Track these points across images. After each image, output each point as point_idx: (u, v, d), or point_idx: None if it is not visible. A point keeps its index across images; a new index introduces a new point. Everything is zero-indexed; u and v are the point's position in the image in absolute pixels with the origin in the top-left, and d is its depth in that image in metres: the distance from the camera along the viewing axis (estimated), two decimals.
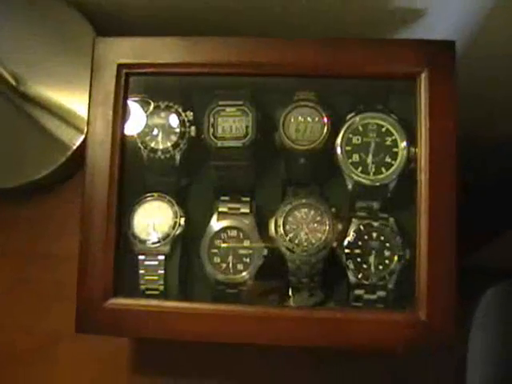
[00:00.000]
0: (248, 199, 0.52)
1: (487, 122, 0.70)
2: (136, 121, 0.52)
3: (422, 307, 0.48)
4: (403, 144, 0.50)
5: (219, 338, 0.49)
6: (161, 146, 0.51)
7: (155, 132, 0.52)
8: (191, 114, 0.52)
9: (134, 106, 0.52)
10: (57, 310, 0.59)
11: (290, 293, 0.52)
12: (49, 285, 0.60)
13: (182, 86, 0.52)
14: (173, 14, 0.59)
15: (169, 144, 0.51)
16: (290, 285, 0.52)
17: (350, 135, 0.50)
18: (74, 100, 0.61)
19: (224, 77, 0.51)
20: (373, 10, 0.56)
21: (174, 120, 0.51)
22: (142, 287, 0.52)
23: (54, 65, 0.62)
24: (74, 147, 0.61)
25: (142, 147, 0.51)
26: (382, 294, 0.50)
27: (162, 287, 0.52)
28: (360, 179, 0.50)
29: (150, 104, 0.52)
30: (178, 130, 0.51)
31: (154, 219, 0.52)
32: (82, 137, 0.61)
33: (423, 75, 0.49)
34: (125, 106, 0.51)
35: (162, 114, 0.52)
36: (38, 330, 0.60)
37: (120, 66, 0.51)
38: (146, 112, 0.52)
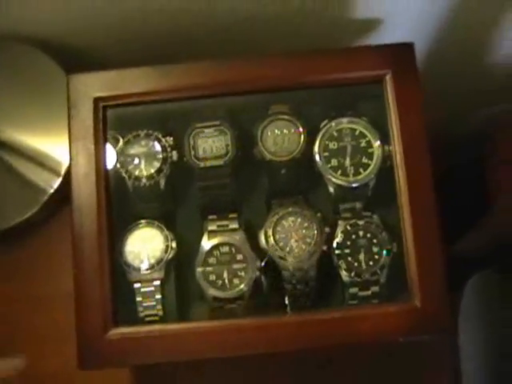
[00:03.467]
0: (235, 215, 0.53)
1: (455, 117, 0.74)
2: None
3: (416, 295, 0.50)
4: (377, 144, 0.52)
5: (223, 353, 0.50)
6: (145, 174, 0.52)
7: (137, 161, 0.53)
8: (171, 138, 0.53)
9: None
10: (53, 351, 0.59)
11: (287, 301, 0.53)
12: (44, 326, 0.59)
13: (159, 112, 0.54)
14: (139, 47, 0.61)
15: (152, 170, 0.52)
16: (286, 293, 0.53)
17: (327, 142, 0.53)
18: (48, 142, 0.62)
19: (198, 99, 0.53)
20: (332, 21, 0.59)
21: (155, 146, 0.52)
22: (141, 314, 0.52)
23: (26, 109, 0.62)
24: (52, 190, 0.61)
25: (126, 176, 0.52)
26: (375, 289, 0.52)
27: (160, 312, 0.52)
28: (340, 182, 0.52)
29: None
30: (160, 156, 0.52)
31: (146, 246, 0.53)
32: (59, 179, 0.61)
33: (388, 77, 0.52)
34: (105, 138, 0.52)
35: (143, 142, 0.53)
36: (35, 373, 0.59)
37: (96, 100, 0.52)
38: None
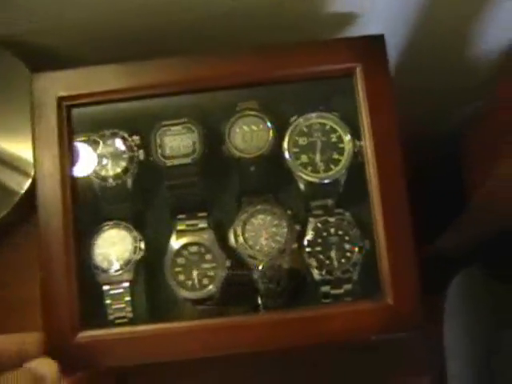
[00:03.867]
0: (205, 214, 0.52)
1: (438, 114, 0.72)
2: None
3: (388, 292, 0.49)
4: (348, 139, 0.51)
5: (194, 354, 0.49)
6: (111, 173, 0.51)
7: (104, 161, 0.52)
8: (138, 137, 0.52)
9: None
10: None
11: (259, 300, 0.52)
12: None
13: (125, 111, 0.53)
14: (110, 44, 0.60)
15: (119, 170, 0.51)
16: (258, 292, 0.52)
17: (296, 137, 0.51)
18: (16, 143, 0.60)
19: (166, 97, 0.52)
20: (305, 14, 0.58)
21: (121, 146, 0.52)
22: (111, 317, 0.51)
23: None
24: (22, 191, 0.60)
25: (92, 177, 0.51)
26: (348, 287, 0.51)
27: (130, 314, 0.51)
28: (311, 179, 0.51)
29: (98, 143, 0.52)
30: (126, 156, 0.51)
31: (114, 247, 0.52)
32: (29, 180, 0.60)
33: (358, 70, 0.51)
34: (70, 138, 0.51)
35: (109, 142, 0.52)
36: None
37: (60, 99, 0.51)
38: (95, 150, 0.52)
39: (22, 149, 0.60)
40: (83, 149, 0.52)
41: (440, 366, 0.65)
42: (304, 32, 0.61)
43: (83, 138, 0.52)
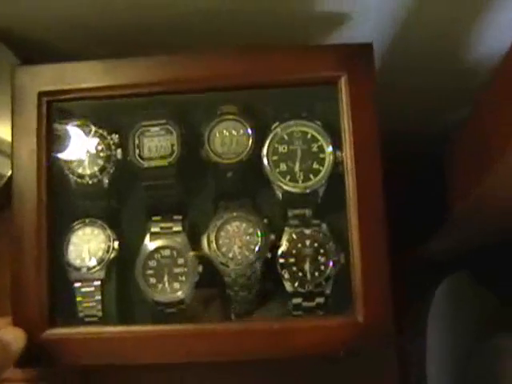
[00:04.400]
0: (180, 217, 0.51)
1: (420, 116, 0.71)
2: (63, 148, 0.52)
3: (359, 310, 0.48)
4: (329, 149, 0.50)
5: (160, 359, 0.49)
6: (88, 172, 0.51)
7: (82, 157, 0.51)
8: (116, 136, 0.51)
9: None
10: None
11: (231, 307, 0.52)
12: None
13: (105, 109, 0.52)
14: (96, 39, 0.59)
15: (96, 169, 0.51)
16: (229, 299, 0.51)
17: (276, 144, 0.50)
18: (2, 129, 0.60)
19: (146, 97, 0.51)
20: (294, 14, 0.56)
21: (98, 144, 0.51)
22: (81, 314, 0.51)
23: None
24: (8, 174, 0.60)
25: (69, 173, 0.51)
26: (320, 300, 0.50)
27: (100, 313, 0.51)
28: (289, 188, 0.50)
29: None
30: (103, 154, 0.51)
31: (88, 245, 0.52)
32: None
33: (343, 79, 0.50)
34: (48, 133, 0.51)
35: (87, 139, 0.51)
36: None
37: (41, 94, 0.51)
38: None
39: (7, 133, 0.60)
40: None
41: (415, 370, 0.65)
42: (293, 32, 0.59)
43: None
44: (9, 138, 0.58)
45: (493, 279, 0.67)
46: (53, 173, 0.51)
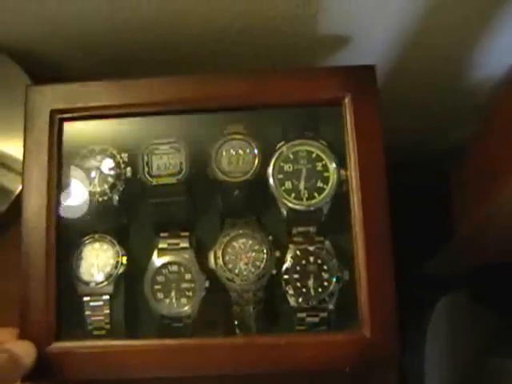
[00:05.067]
0: (187, 234, 0.53)
1: (422, 139, 0.72)
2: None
3: (365, 325, 0.49)
4: (333, 168, 0.51)
5: (166, 373, 0.50)
6: (98, 189, 0.52)
7: (92, 175, 0.52)
8: (126, 155, 0.53)
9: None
10: None
11: (236, 322, 0.53)
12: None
13: (115, 128, 0.53)
14: (107, 58, 0.61)
15: (106, 186, 0.52)
16: (235, 314, 0.52)
17: (282, 163, 0.52)
18: (13, 146, 0.62)
19: (155, 115, 0.53)
20: (298, 38, 0.58)
21: (109, 162, 0.52)
22: (90, 327, 0.52)
23: None
24: (18, 191, 0.61)
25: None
26: (324, 315, 0.51)
27: (108, 326, 0.52)
28: (294, 206, 0.51)
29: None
30: (113, 172, 0.52)
31: (97, 260, 0.53)
32: None
33: (347, 100, 0.51)
34: (59, 151, 0.52)
35: (98, 158, 0.53)
36: None
37: (53, 112, 0.52)
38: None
39: (18, 151, 0.62)
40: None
41: None
42: (297, 54, 0.61)
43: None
44: (20, 156, 0.59)
45: (492, 298, 0.68)
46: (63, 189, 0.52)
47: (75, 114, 0.53)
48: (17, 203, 0.61)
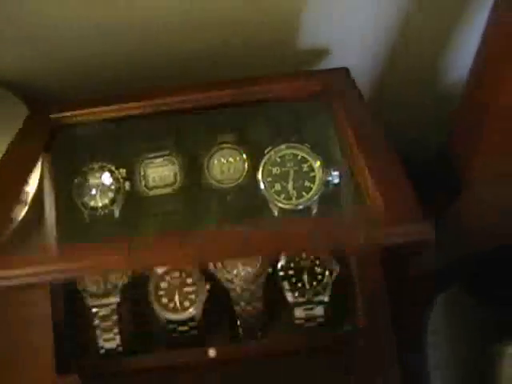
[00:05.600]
0: None
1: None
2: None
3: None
4: (318, 168, 0.54)
5: None
6: (100, 204, 0.55)
7: (93, 191, 0.56)
8: (124, 170, 0.56)
9: None
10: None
11: (238, 323, 0.55)
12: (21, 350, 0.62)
13: (112, 145, 0.57)
14: (101, 88, 0.64)
15: (107, 201, 0.55)
16: (236, 315, 0.55)
17: (270, 167, 0.55)
18: None
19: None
20: (277, 50, 0.61)
21: (108, 178, 0.56)
22: (98, 332, 0.55)
23: None
24: (19, 218, 0.64)
25: (82, 208, 0.55)
26: (320, 308, 0.54)
27: (118, 336, 0.55)
28: (284, 206, 0.54)
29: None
30: (113, 187, 0.56)
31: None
32: (26, 208, 0.64)
33: (326, 101, 0.54)
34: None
35: (97, 174, 0.56)
36: None
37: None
38: None
39: None
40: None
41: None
42: (278, 60, 0.64)
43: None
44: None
45: (489, 291, 0.69)
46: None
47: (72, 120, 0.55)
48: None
